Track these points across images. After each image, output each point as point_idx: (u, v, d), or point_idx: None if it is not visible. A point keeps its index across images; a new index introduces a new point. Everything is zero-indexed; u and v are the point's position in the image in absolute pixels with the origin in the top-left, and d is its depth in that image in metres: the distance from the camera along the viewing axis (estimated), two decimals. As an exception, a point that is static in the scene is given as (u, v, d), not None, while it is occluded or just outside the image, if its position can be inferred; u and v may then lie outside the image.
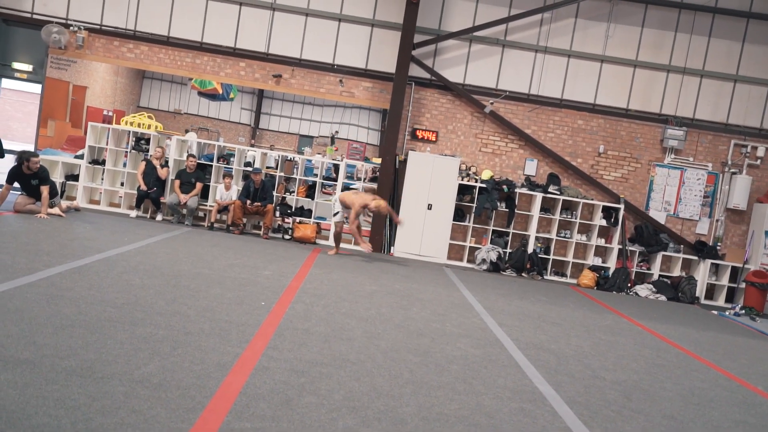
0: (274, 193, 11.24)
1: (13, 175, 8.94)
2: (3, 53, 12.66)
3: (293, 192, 11.64)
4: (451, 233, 11.62)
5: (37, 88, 13.22)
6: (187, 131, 17.59)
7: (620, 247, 11.61)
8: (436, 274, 9.77)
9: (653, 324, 8.23)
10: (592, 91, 11.97)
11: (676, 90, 11.93)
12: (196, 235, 9.68)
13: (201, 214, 11.39)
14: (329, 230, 11.22)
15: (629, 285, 11.35)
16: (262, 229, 10.93)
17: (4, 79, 13.40)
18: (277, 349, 4.41)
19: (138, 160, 11.43)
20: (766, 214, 11.46)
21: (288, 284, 6.85)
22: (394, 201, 11.57)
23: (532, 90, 11.96)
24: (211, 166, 11.46)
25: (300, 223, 11.24)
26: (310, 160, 12.92)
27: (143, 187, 10.82)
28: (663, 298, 11.11)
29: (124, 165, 11.64)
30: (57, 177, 10.96)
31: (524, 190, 11.62)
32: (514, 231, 11.72)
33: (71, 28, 11.78)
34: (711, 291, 11.95)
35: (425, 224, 11.41)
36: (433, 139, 11.93)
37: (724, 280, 11.69)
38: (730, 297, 11.72)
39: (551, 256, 11.68)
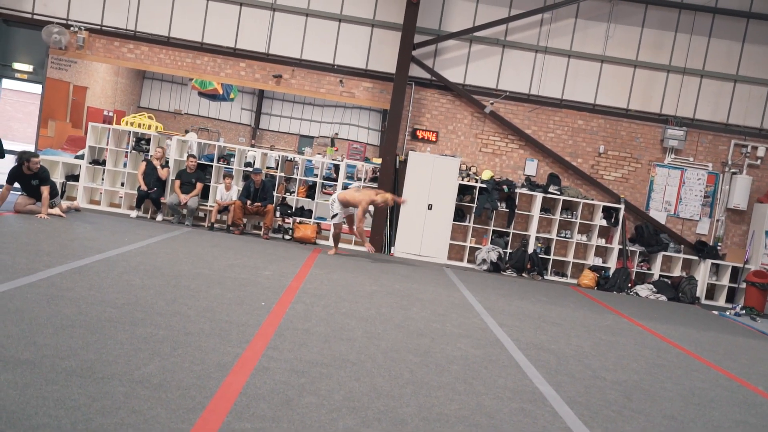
0: (275, 194, 11.24)
1: (14, 176, 8.94)
2: (3, 53, 12.67)
3: (293, 192, 11.64)
4: (452, 233, 11.61)
5: (37, 88, 13.23)
6: (187, 131, 17.60)
7: (620, 247, 11.61)
8: (436, 275, 9.76)
9: (654, 324, 8.22)
10: (593, 92, 11.97)
11: (677, 90, 11.93)
12: (196, 236, 9.68)
13: (201, 214, 11.39)
14: (329, 231, 11.22)
15: (630, 285, 11.35)
16: (263, 229, 10.93)
17: (4, 80, 13.41)
18: (278, 350, 4.41)
19: (138, 160, 11.44)
20: (767, 214, 11.46)
21: (288, 284, 6.85)
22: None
23: (532, 90, 11.96)
24: (212, 166, 11.46)
25: (300, 223, 11.24)
26: (310, 161, 12.92)
27: (143, 188, 10.83)
28: (663, 298, 11.11)
29: (125, 165, 11.64)
30: (57, 177, 10.96)
31: (524, 191, 11.62)
32: (515, 231, 11.72)
33: (72, 28, 11.79)
34: (711, 291, 11.95)
35: (425, 224, 11.41)
36: (434, 139, 11.93)
37: (725, 280, 11.68)
38: (731, 297, 11.72)
39: (551, 257, 11.68)
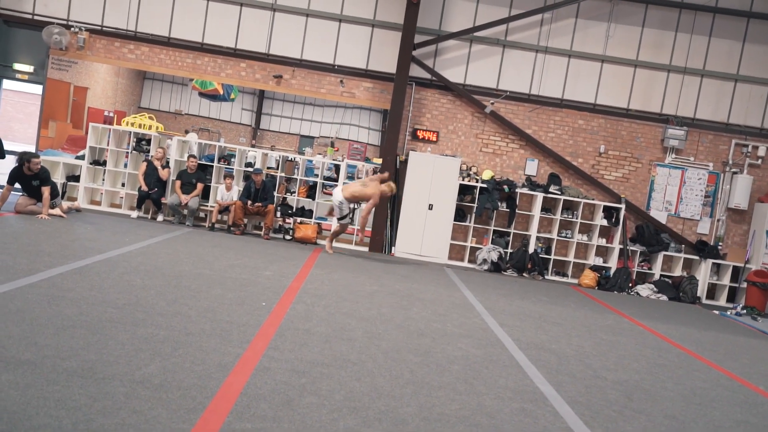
0: (275, 194, 11.24)
1: (14, 176, 8.95)
2: (4, 54, 12.68)
3: (294, 192, 11.64)
4: (452, 233, 11.61)
5: (38, 89, 13.23)
6: (187, 132, 17.61)
7: (621, 246, 11.61)
8: (436, 275, 9.76)
9: (654, 324, 8.22)
10: (593, 91, 11.97)
11: (677, 90, 11.92)
12: (197, 236, 9.68)
13: (202, 214, 11.40)
14: (330, 231, 11.21)
15: (630, 285, 11.35)
16: (263, 229, 10.93)
17: (5, 80, 13.41)
18: (278, 350, 4.41)
19: (139, 160, 11.44)
20: (767, 213, 11.47)
21: (289, 285, 6.85)
22: (395, 201, 11.58)
23: (532, 90, 11.96)
24: (212, 166, 11.46)
25: (301, 223, 11.24)
26: (310, 161, 12.93)
27: (144, 188, 10.83)
28: (664, 297, 11.11)
29: (125, 166, 11.65)
30: (58, 178, 10.96)
31: (525, 190, 11.62)
32: (515, 231, 11.72)
33: (72, 29, 11.80)
34: (712, 291, 11.94)
35: (426, 224, 11.41)
36: (434, 139, 11.93)
37: (726, 280, 11.68)
38: (732, 297, 11.71)
39: (552, 256, 11.68)
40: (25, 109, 29.17)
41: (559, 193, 11.61)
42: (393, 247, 11.52)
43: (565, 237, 11.71)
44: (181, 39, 11.94)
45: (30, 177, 8.94)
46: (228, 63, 11.99)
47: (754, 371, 6.30)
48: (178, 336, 4.35)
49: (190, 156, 10.97)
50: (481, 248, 11.64)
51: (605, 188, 11.88)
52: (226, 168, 11.77)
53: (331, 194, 10.62)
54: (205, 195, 11.31)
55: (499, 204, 11.50)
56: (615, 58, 11.86)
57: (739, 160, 11.99)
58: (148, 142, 11.49)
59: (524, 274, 11.36)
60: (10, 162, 10.21)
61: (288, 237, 11.17)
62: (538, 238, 11.73)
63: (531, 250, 11.51)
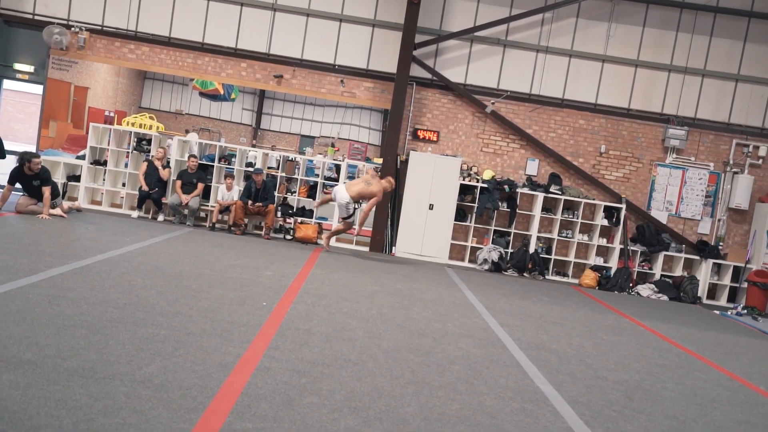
0: (276, 194, 11.24)
1: (15, 176, 8.95)
2: (4, 54, 12.68)
3: (295, 192, 11.64)
4: (453, 233, 11.61)
5: (38, 89, 13.23)
6: (188, 132, 17.61)
7: (622, 246, 11.60)
8: (437, 274, 9.76)
9: (655, 324, 8.22)
10: (594, 91, 11.97)
11: (678, 90, 11.92)
12: (197, 236, 9.69)
13: (202, 214, 11.40)
14: (330, 230, 11.21)
15: (631, 285, 11.34)
16: (264, 229, 10.94)
17: (5, 80, 13.41)
18: (279, 350, 4.41)
19: (139, 160, 11.44)
20: (768, 213, 11.45)
21: (289, 284, 6.86)
22: (396, 201, 11.58)
23: (533, 90, 11.95)
24: (213, 166, 11.46)
25: (301, 223, 11.24)
26: (311, 161, 12.93)
27: (145, 188, 10.83)
28: (665, 298, 11.10)
29: (126, 166, 11.65)
30: (59, 178, 10.97)
31: (526, 190, 11.62)
32: (516, 231, 11.72)
33: (72, 29, 11.80)
34: (713, 291, 11.94)
35: (427, 224, 11.41)
36: (435, 139, 11.92)
37: (726, 280, 11.67)
38: (732, 297, 11.70)
39: (553, 256, 11.68)
40: (26, 109, 29.18)
41: (560, 193, 11.60)
42: (393, 247, 11.52)
43: (566, 237, 11.71)
44: (181, 39, 11.94)
45: (31, 177, 8.95)
46: (228, 63, 11.99)
47: (754, 371, 6.30)
48: (179, 336, 4.36)
49: (191, 156, 10.97)
50: (481, 248, 11.63)
51: (606, 188, 11.87)
52: (226, 168, 11.77)
53: (330, 193, 10.60)
54: (206, 195, 11.31)
55: (500, 204, 11.50)
56: (616, 57, 11.86)
57: (740, 160, 11.98)
58: (149, 142, 11.49)
59: (525, 274, 11.36)
60: (11, 162, 10.22)
61: (288, 237, 11.17)
62: (538, 238, 11.73)
63: (532, 250, 11.51)
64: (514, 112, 11.96)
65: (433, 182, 11.39)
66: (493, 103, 11.87)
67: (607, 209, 11.68)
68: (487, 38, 11.87)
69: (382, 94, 11.97)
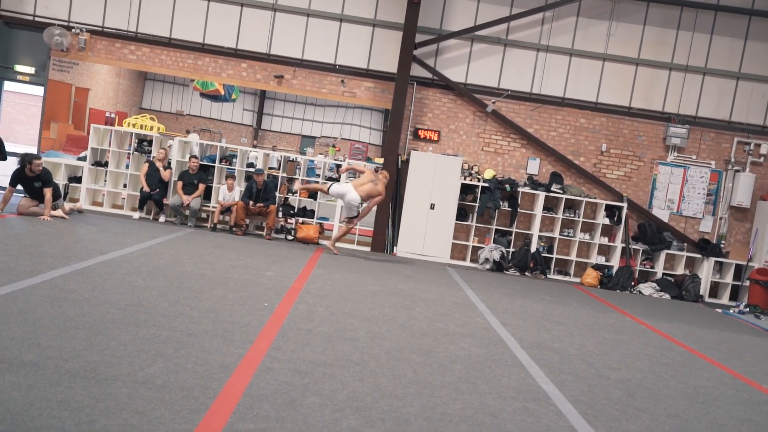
0: (277, 194, 11.24)
1: (17, 178, 8.96)
2: (5, 56, 12.69)
3: (296, 193, 11.63)
4: (454, 233, 11.61)
5: (39, 90, 13.23)
6: (189, 132, 17.62)
7: (624, 245, 11.59)
8: (439, 274, 9.76)
9: (657, 322, 8.21)
10: (595, 90, 11.95)
11: (679, 88, 11.90)
12: (198, 237, 9.69)
13: (204, 215, 11.40)
14: (332, 231, 11.21)
15: (633, 283, 11.33)
16: (265, 229, 10.94)
17: (6, 82, 13.41)
18: (281, 350, 4.41)
19: (141, 161, 11.45)
20: (770, 211, 11.43)
21: (291, 285, 6.85)
22: (397, 201, 11.58)
23: (534, 89, 11.94)
24: (214, 167, 11.47)
25: (303, 223, 11.24)
26: (312, 161, 12.92)
27: (146, 189, 10.84)
28: (667, 296, 11.09)
29: (127, 167, 11.66)
30: (60, 179, 10.98)
31: (527, 189, 11.61)
32: (517, 230, 11.71)
33: (73, 30, 11.81)
34: (715, 289, 11.92)
35: (428, 224, 11.41)
36: (435, 138, 11.92)
37: (728, 278, 11.66)
38: (734, 295, 11.69)
39: (554, 255, 11.67)
40: (27, 111, 29.21)
41: (561, 192, 11.59)
42: (395, 247, 11.51)
43: (567, 236, 11.70)
44: (182, 40, 11.95)
45: (32, 178, 8.96)
46: (229, 63, 11.99)
47: (757, 369, 6.28)
48: (181, 337, 4.36)
49: (192, 157, 10.97)
50: (483, 247, 11.63)
51: (607, 187, 11.86)
52: (227, 168, 11.77)
53: (325, 187, 10.46)
54: (207, 196, 11.32)
55: (501, 203, 11.49)
56: (616, 56, 11.85)
57: (742, 158, 11.97)
58: (150, 143, 11.49)
59: (526, 273, 11.35)
60: (12, 164, 10.23)
61: (290, 237, 11.18)
62: (540, 237, 11.72)
63: (533, 249, 11.50)
64: (514, 111, 11.96)
65: (434, 182, 11.38)
66: (493, 103, 11.86)
67: (608, 208, 11.67)
68: (487, 37, 11.87)
69: (382, 93, 11.96)
